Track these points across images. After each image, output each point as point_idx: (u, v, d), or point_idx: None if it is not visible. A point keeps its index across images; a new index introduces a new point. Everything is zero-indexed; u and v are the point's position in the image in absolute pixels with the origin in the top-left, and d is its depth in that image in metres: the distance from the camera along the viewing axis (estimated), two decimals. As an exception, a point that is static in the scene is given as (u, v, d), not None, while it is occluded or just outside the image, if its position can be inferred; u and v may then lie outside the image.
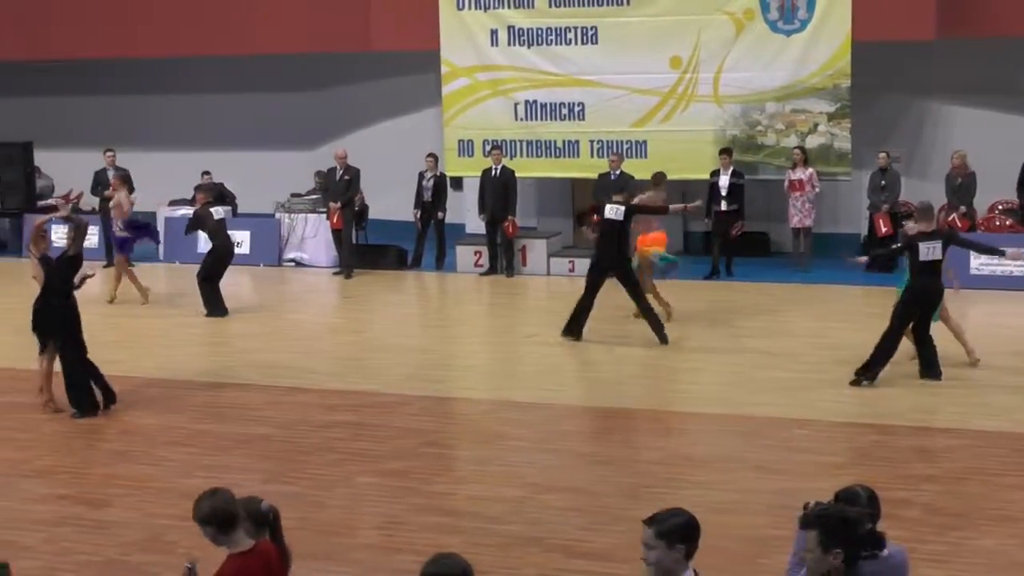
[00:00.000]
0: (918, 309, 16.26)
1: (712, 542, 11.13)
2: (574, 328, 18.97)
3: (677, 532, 6.31)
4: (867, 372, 16.25)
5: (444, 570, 5.94)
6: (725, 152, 23.97)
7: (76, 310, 15.63)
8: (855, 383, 16.21)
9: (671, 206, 20.27)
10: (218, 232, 21.75)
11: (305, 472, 13.48)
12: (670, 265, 20.62)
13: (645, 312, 18.81)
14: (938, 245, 16.11)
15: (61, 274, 15.61)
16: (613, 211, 18.69)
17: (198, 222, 22.04)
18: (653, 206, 20.03)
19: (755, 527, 11.63)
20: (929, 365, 16.49)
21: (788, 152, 24.13)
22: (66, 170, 29.40)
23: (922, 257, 16.02)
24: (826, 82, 23.81)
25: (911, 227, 16.88)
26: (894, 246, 18.97)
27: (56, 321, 15.52)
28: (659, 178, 21.81)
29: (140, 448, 14.43)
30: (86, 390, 15.61)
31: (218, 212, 22.02)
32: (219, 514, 6.87)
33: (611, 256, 18.74)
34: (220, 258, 21.65)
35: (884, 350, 16.26)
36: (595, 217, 19.47)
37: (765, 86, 24.10)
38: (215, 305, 21.34)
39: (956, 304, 17.57)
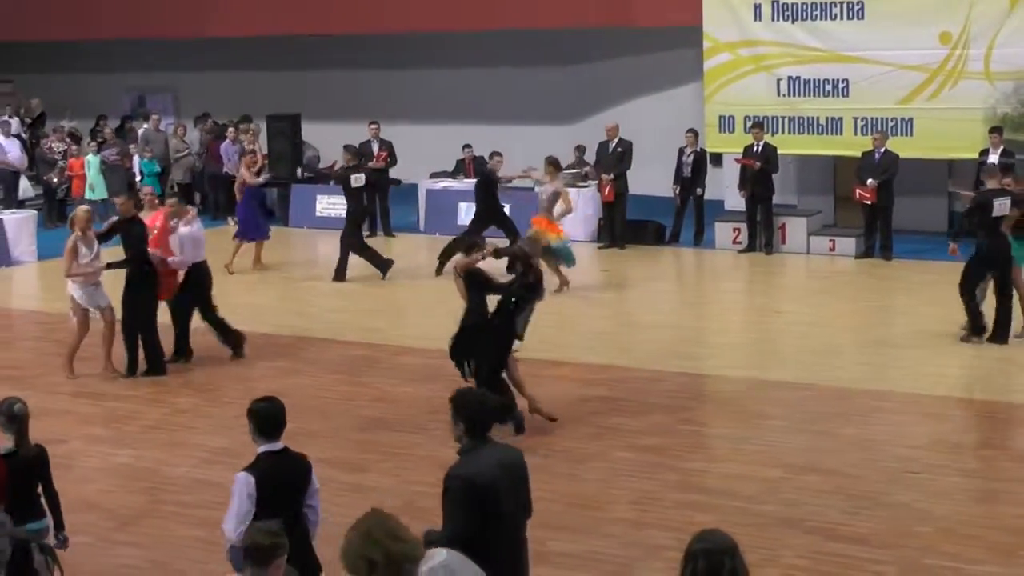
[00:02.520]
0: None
1: (972, 531, 10.99)
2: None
3: (461, 410, 7.74)
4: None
5: (712, 545, 5.86)
6: (995, 131, 23.15)
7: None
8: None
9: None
10: (354, 196, 22.63)
11: (560, 445, 13.54)
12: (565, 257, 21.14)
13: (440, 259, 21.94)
14: (1007, 200, 16.98)
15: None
16: (355, 180, 22.31)
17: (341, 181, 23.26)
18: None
19: (1018, 518, 11.33)
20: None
21: (1063, 132, 23.29)
22: (331, 142, 29.99)
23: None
24: (1106, 58, 22.91)
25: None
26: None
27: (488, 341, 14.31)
28: (554, 162, 21.94)
29: (397, 415, 14.67)
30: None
31: (358, 179, 22.65)
32: None
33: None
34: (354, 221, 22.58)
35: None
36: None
37: (1040, 62, 23.28)
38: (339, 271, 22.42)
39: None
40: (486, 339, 14.10)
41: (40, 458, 9.06)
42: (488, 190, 22.80)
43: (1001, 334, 17.21)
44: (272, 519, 7.56)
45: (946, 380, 15.80)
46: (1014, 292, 17.32)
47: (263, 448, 8.19)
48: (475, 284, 14.35)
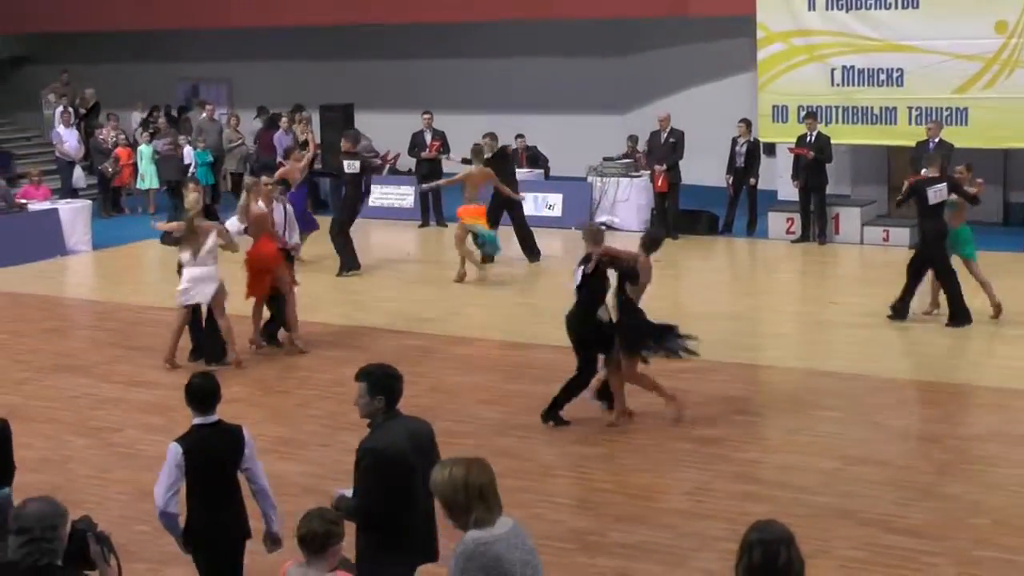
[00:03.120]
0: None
1: (1020, 522, 10.90)
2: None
3: (379, 386, 8.07)
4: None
5: (768, 536, 5.86)
6: (1051, 121, 23.02)
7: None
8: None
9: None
10: (349, 183, 22.51)
11: (615, 435, 13.54)
12: (490, 245, 21.70)
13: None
14: (943, 188, 17.51)
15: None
16: (349, 166, 22.22)
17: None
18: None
19: (1075, 509, 11.27)
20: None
21: (1120, 121, 23.05)
22: (384, 132, 30.10)
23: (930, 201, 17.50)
24: None
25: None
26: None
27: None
28: (478, 150, 22.16)
29: (450, 406, 14.67)
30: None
31: (352, 166, 22.44)
32: None
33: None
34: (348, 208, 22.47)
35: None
36: None
37: (1098, 51, 23.05)
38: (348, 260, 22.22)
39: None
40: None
41: (7, 430, 9.24)
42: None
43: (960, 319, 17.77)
44: (207, 488, 8.53)
45: (1000, 370, 15.71)
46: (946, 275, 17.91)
47: (196, 420, 8.67)
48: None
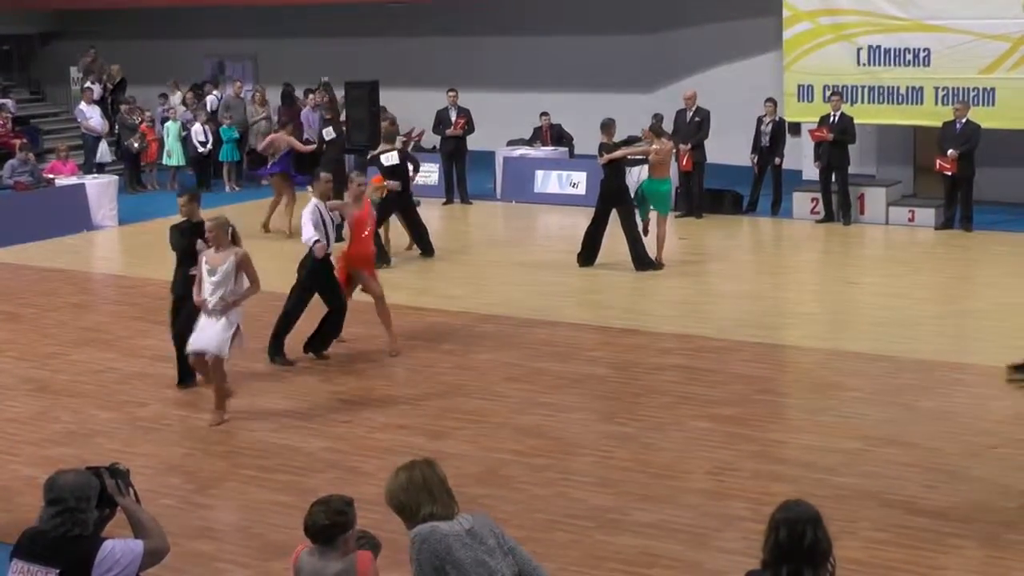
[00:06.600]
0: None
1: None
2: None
3: None
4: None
5: (794, 515, 5.87)
6: (1078, 101, 22.89)
7: None
8: None
9: None
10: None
11: (638, 414, 13.52)
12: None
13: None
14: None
15: None
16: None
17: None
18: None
19: (1102, 493, 11.22)
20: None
21: None
22: (410, 109, 30.08)
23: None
24: None
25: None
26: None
27: None
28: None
29: (476, 383, 14.69)
30: None
31: (389, 159, 21.67)
32: None
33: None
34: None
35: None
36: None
37: (1125, 32, 22.91)
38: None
39: None
40: None
41: None
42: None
43: (638, 264, 20.43)
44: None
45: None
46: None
47: None
48: None
